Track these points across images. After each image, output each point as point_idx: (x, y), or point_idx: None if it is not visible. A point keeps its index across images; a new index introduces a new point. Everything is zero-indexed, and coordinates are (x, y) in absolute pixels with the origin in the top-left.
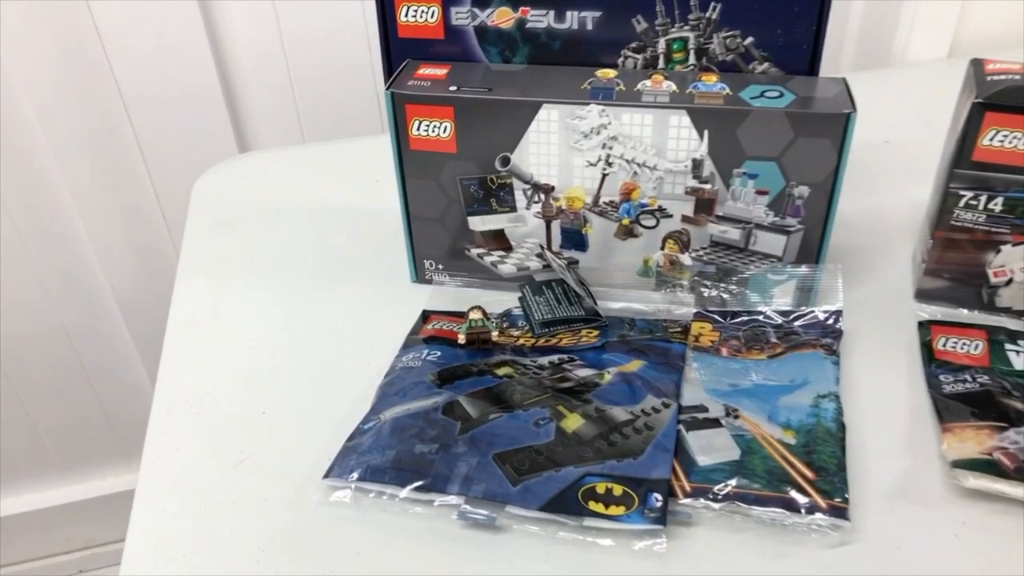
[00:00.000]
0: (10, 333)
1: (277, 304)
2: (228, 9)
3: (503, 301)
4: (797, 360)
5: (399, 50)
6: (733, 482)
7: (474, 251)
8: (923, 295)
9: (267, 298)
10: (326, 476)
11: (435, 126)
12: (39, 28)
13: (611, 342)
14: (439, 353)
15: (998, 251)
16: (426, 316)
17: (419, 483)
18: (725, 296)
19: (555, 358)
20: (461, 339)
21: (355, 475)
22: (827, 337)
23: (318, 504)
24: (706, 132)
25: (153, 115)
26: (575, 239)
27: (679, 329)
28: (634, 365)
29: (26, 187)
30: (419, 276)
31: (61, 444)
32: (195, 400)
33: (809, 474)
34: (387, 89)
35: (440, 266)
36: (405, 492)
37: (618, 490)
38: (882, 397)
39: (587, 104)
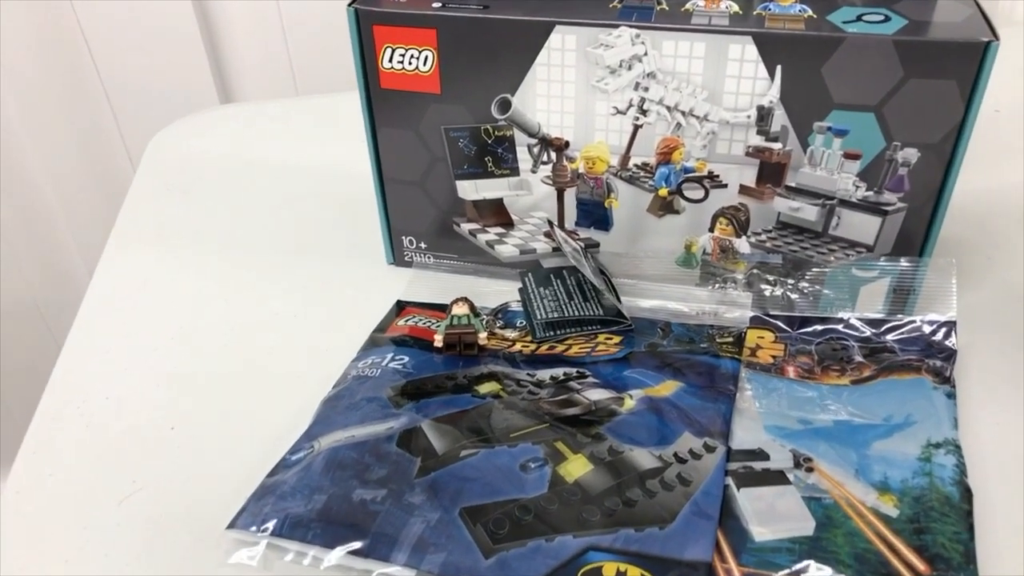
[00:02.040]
0: None
1: (217, 285)
2: None
3: (502, 292)
4: (893, 388)
5: None
6: (806, 568)
7: (465, 226)
8: None
9: (206, 278)
10: (231, 526)
11: (413, 57)
12: None
13: (637, 353)
14: (406, 359)
15: None
16: (400, 308)
17: (354, 545)
18: (793, 296)
19: (560, 372)
20: (438, 341)
21: (269, 527)
22: (935, 358)
23: (216, 565)
24: (779, 69)
25: (122, 63)
26: (595, 214)
27: (730, 339)
28: (667, 388)
29: None
30: (396, 257)
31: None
32: (90, 406)
33: (920, 565)
34: (349, 5)
35: (422, 245)
36: (334, 557)
37: (634, 574)
38: (1018, 450)
39: (616, 27)
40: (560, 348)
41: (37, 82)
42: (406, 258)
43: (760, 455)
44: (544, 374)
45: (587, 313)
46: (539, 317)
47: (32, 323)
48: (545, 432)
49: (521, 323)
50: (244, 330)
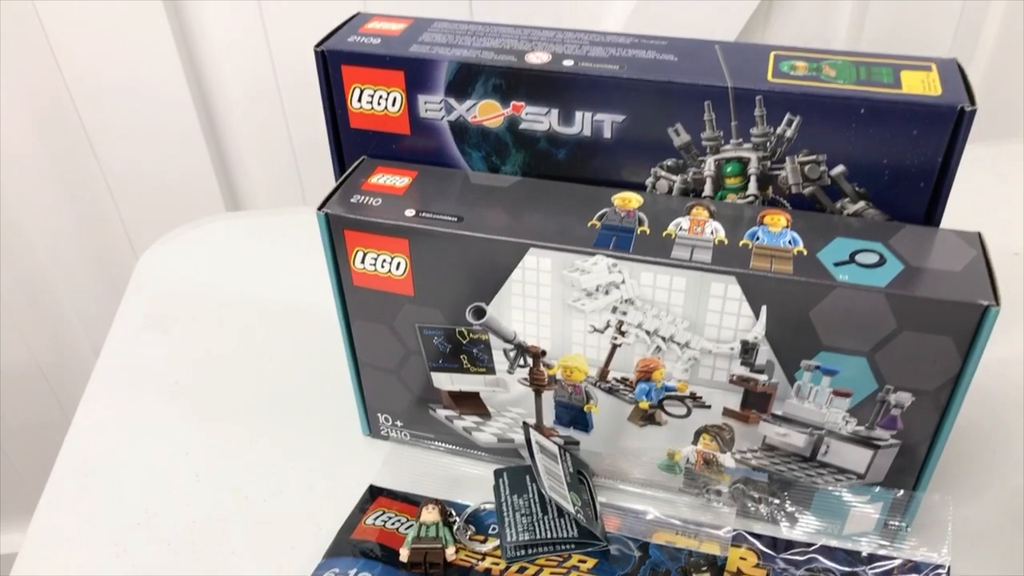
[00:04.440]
0: None
1: (188, 459)
2: (207, 26)
3: (482, 479)
4: None
5: (353, 144)
6: None
7: (442, 412)
8: None
9: (177, 449)
10: None
11: (385, 261)
12: None
13: None
14: None
15: None
16: (373, 496)
17: None
18: (778, 516)
19: None
20: (403, 555)
21: None
22: None
23: None
24: (764, 309)
25: (125, 160)
26: (573, 415)
27: (707, 573)
28: None
29: None
30: (372, 430)
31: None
32: None
33: None
34: (320, 209)
35: (399, 423)
36: None
37: None
38: None
39: (591, 255)
40: (531, 570)
41: (35, 164)
42: (382, 433)
43: None
44: None
45: (561, 534)
46: (510, 539)
47: (38, 386)
48: None
49: (494, 529)
50: (210, 521)
